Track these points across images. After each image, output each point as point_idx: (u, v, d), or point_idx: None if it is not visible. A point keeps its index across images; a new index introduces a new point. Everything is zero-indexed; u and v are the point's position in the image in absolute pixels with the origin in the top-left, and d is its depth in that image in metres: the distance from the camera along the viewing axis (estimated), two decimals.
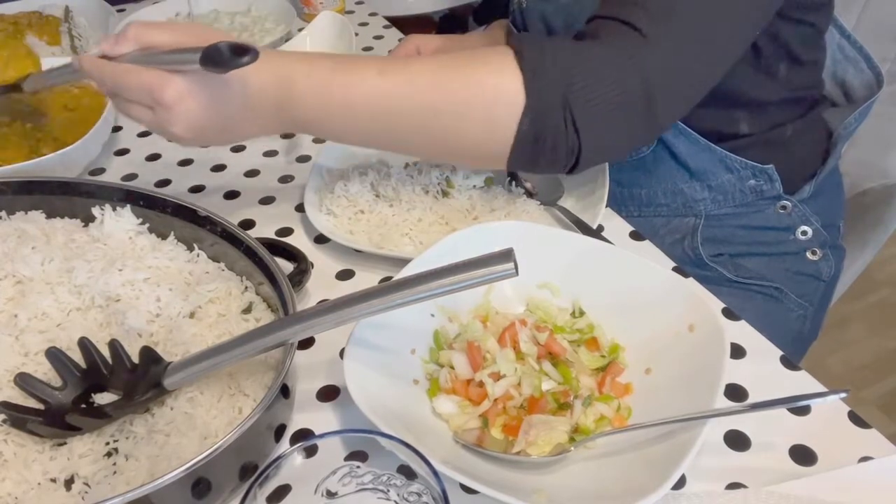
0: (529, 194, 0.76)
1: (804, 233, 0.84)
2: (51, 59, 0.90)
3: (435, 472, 0.39)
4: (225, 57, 0.52)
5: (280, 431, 0.54)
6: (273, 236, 0.74)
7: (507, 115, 0.58)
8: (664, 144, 0.80)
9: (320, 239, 0.74)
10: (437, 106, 0.59)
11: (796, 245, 0.85)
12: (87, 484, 0.49)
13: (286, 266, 0.63)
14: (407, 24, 1.46)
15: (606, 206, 0.73)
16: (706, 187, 0.82)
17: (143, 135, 0.94)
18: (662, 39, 0.58)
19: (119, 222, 0.65)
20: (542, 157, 0.61)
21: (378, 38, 1.20)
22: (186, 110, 0.57)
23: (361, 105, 0.60)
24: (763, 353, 0.60)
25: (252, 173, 0.85)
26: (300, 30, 1.07)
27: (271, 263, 0.59)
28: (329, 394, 0.57)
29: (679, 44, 0.59)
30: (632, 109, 0.59)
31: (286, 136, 0.92)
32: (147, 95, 0.57)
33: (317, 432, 0.54)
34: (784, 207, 0.82)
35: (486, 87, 0.59)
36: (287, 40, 1.05)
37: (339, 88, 0.59)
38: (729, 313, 0.64)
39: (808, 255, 0.85)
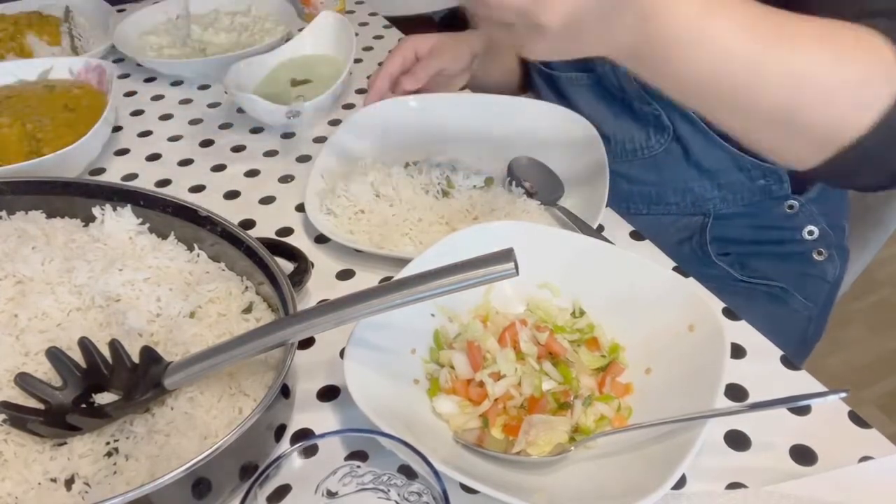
0: (529, 194, 0.76)
1: (811, 233, 0.84)
2: None
3: (435, 472, 0.39)
4: None
5: (280, 431, 0.54)
6: (273, 236, 0.74)
7: (875, 98, 0.52)
8: (678, 141, 0.80)
9: (320, 239, 0.74)
10: (806, 76, 0.51)
11: (803, 245, 0.85)
12: (87, 484, 0.49)
13: (286, 266, 0.63)
14: (407, 24, 1.46)
15: (607, 206, 0.73)
16: (716, 186, 0.82)
17: (143, 135, 0.94)
18: None
19: (119, 222, 0.65)
20: (879, 161, 0.54)
21: (378, 37, 1.20)
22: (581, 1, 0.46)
23: (726, 55, 0.51)
24: (763, 353, 0.60)
25: (252, 173, 0.85)
26: (300, 30, 1.07)
27: (271, 263, 0.59)
28: (329, 394, 0.57)
29: None
30: None
31: (286, 136, 0.92)
32: None
33: (317, 432, 0.54)
34: (791, 207, 0.83)
35: (862, 63, 0.52)
36: (287, 40, 1.04)
37: (717, 28, 0.50)
38: (729, 313, 0.64)
39: (815, 255, 0.86)
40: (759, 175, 0.81)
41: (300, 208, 0.78)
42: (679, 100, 0.55)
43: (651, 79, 0.54)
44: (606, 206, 0.73)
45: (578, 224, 0.71)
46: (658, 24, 0.49)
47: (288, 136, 0.92)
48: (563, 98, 0.88)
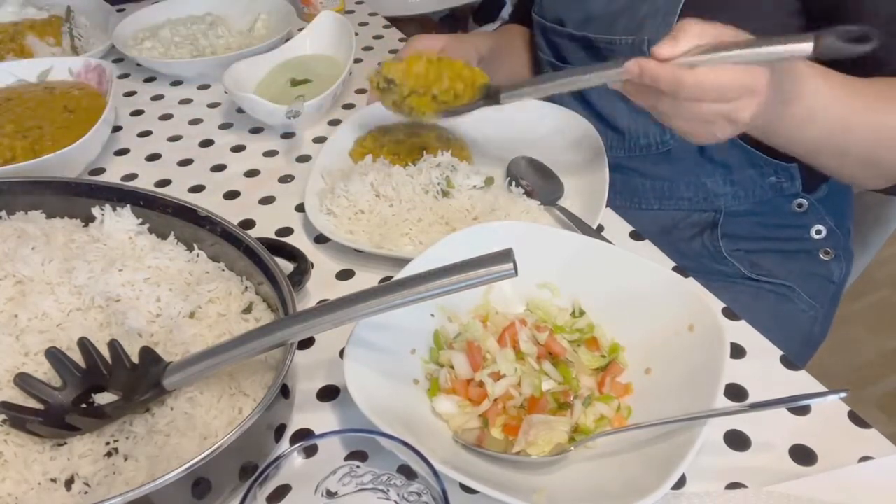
0: (529, 194, 0.76)
1: (818, 231, 0.85)
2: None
3: (435, 472, 0.39)
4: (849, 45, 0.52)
5: (280, 431, 0.54)
6: (273, 236, 0.74)
7: None
8: None
9: (320, 239, 0.74)
10: (884, 129, 0.66)
11: (811, 244, 0.86)
12: (87, 484, 0.49)
13: (286, 266, 0.63)
14: (407, 24, 1.47)
15: (610, 203, 0.73)
16: (728, 182, 0.83)
17: (143, 135, 0.94)
18: None
19: (119, 222, 0.65)
20: None
21: (378, 38, 1.20)
22: (766, 99, 0.58)
23: (836, 123, 0.65)
24: (763, 353, 0.60)
25: (252, 173, 0.85)
26: (300, 30, 1.07)
27: (271, 263, 0.59)
28: (329, 394, 0.58)
29: None
30: None
31: (286, 135, 0.92)
32: (737, 90, 0.57)
33: (317, 432, 0.54)
34: (800, 206, 0.84)
35: None
36: (287, 40, 1.04)
37: (840, 107, 0.64)
38: (729, 313, 0.64)
39: (822, 255, 0.87)
40: (770, 171, 0.81)
41: (300, 208, 0.78)
42: (785, 150, 0.70)
43: (767, 141, 0.68)
44: (607, 206, 0.73)
45: (578, 224, 0.71)
46: (791, 108, 0.62)
47: (288, 136, 0.92)
48: (576, 92, 0.89)
